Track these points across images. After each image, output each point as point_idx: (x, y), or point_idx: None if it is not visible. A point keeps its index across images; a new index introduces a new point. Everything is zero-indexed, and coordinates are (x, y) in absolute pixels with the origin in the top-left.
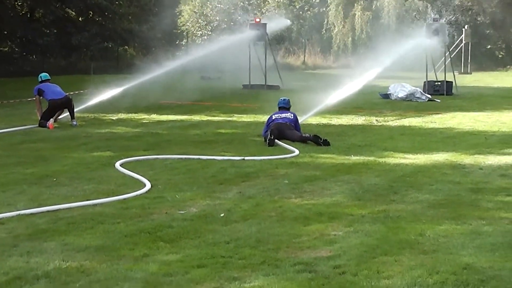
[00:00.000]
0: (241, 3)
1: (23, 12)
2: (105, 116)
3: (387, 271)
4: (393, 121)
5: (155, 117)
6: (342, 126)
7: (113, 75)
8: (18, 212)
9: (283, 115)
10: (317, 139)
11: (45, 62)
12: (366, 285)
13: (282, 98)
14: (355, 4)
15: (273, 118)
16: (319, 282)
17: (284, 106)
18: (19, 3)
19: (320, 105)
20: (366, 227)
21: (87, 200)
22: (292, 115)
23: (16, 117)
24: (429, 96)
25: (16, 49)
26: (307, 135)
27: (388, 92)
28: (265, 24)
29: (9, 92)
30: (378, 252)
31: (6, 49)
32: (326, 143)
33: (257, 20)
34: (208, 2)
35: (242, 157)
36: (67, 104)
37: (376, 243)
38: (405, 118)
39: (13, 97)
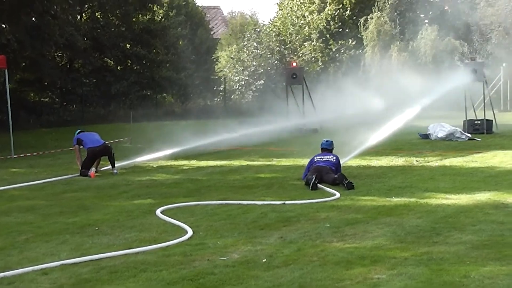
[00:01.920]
0: (277, 48)
1: (62, 63)
2: (145, 163)
3: None
4: (434, 162)
5: (194, 163)
6: (382, 168)
7: (153, 122)
8: (61, 262)
9: (325, 157)
10: (342, 179)
11: (85, 112)
12: None
13: (325, 140)
14: (391, 46)
15: (315, 160)
16: None
17: (327, 148)
18: (59, 54)
19: (359, 146)
20: (410, 270)
21: (129, 248)
22: (335, 157)
23: (58, 167)
24: (469, 135)
25: (56, 99)
26: (336, 178)
27: (427, 132)
28: (302, 68)
29: (50, 142)
30: None
31: (46, 99)
32: (349, 185)
33: (294, 64)
34: (245, 48)
35: (283, 202)
36: (105, 151)
37: (420, 286)
38: (445, 158)
39: (54, 147)
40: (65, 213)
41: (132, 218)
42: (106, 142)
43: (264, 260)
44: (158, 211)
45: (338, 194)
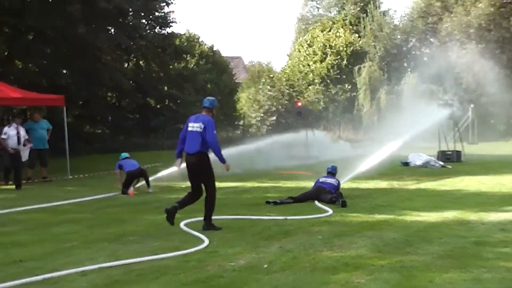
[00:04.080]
0: (287, 90)
1: (112, 101)
2: (176, 184)
3: None
4: (411, 185)
5: (216, 184)
6: (369, 189)
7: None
8: (98, 266)
9: (329, 180)
10: (338, 198)
11: (129, 141)
12: None
13: (331, 165)
14: (380, 89)
15: (320, 180)
16: None
17: (332, 172)
18: (109, 95)
19: (351, 172)
20: (385, 276)
21: (155, 254)
22: (337, 182)
23: (104, 187)
24: (442, 163)
25: (107, 131)
26: (334, 197)
27: (407, 161)
28: (305, 107)
29: (100, 166)
30: None
31: (99, 131)
32: (343, 204)
33: (299, 104)
34: (261, 90)
35: (285, 217)
36: (141, 174)
37: None
38: (421, 182)
39: (103, 170)
40: (106, 225)
41: (160, 229)
42: (142, 166)
43: (265, 266)
44: (181, 224)
45: (330, 211)
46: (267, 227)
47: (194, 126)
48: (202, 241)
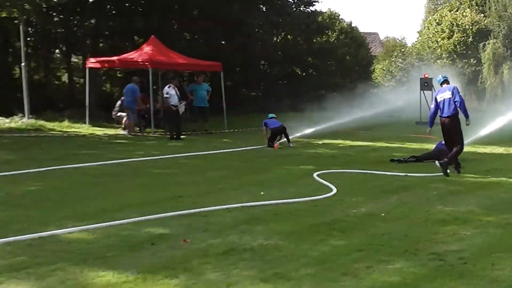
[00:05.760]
0: (416, 63)
1: (264, 69)
2: (315, 141)
3: (499, 265)
4: None
5: (349, 142)
6: (486, 154)
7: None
8: (241, 204)
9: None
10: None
11: (278, 104)
12: (481, 274)
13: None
14: (503, 65)
15: (442, 143)
16: (445, 268)
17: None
18: (262, 63)
19: (473, 136)
20: (490, 230)
21: (291, 199)
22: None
23: (254, 140)
24: None
25: (260, 94)
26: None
27: None
28: (431, 78)
29: (253, 123)
30: (495, 250)
31: (254, 93)
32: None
33: (426, 75)
34: (393, 62)
35: (406, 174)
36: (282, 130)
37: (494, 241)
38: None
39: (255, 126)
40: (252, 173)
41: (296, 179)
42: (282, 124)
43: (382, 215)
44: (315, 174)
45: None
46: (389, 182)
47: (443, 96)
48: (331, 190)
